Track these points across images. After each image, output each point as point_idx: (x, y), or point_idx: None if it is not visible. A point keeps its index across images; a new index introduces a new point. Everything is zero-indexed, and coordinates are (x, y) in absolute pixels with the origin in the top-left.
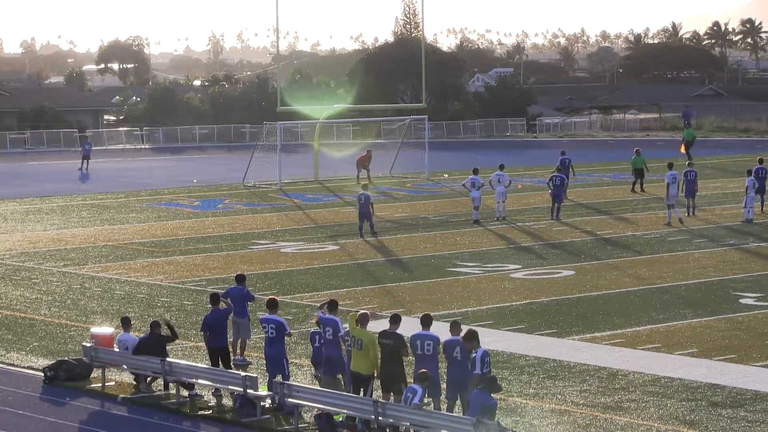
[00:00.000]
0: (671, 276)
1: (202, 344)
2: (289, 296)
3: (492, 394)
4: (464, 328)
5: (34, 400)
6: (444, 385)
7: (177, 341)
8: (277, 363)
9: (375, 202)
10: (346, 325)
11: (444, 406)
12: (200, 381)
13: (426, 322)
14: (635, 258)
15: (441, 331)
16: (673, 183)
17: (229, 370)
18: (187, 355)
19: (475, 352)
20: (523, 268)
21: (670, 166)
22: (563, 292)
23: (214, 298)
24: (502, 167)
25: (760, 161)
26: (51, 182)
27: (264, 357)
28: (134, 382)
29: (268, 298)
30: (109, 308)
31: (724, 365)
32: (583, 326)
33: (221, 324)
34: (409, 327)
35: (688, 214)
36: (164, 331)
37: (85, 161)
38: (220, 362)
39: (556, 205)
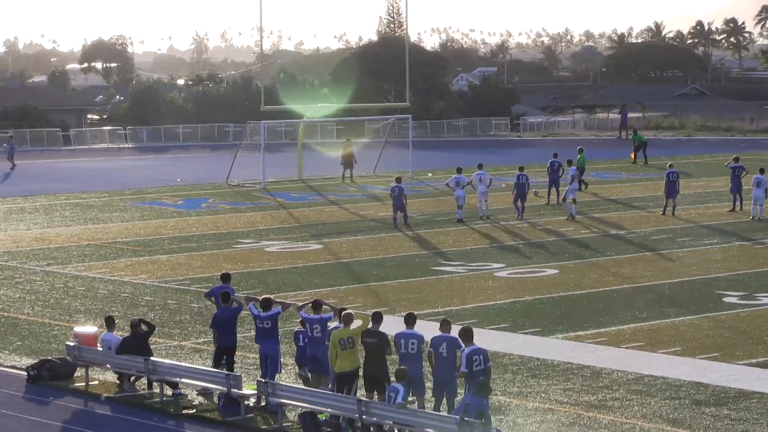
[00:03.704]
0: (655, 275)
1: (186, 342)
2: (273, 295)
3: (485, 397)
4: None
5: (17, 400)
6: (430, 384)
7: (156, 331)
8: (273, 361)
9: (359, 201)
10: (334, 323)
11: (429, 405)
12: (184, 380)
13: (410, 320)
14: (619, 257)
15: (425, 329)
16: (574, 179)
17: (213, 369)
18: (171, 354)
19: (463, 350)
20: (507, 266)
21: (570, 162)
22: (547, 291)
23: (225, 296)
24: (480, 166)
25: (736, 159)
26: (34, 181)
27: (259, 357)
28: (118, 381)
29: (262, 297)
30: (93, 307)
31: (707, 364)
32: (567, 325)
33: (231, 322)
34: (393, 326)
35: (663, 213)
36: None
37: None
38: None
39: (521, 204)
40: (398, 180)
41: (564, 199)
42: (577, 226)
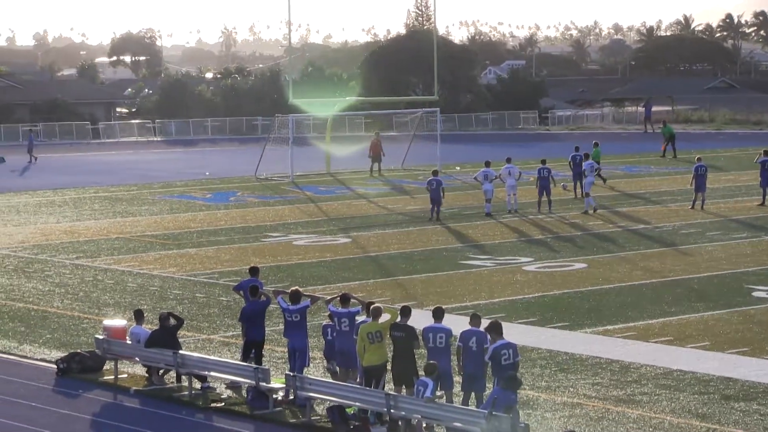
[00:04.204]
0: (683, 269)
1: (214, 336)
2: (301, 289)
3: (513, 392)
4: (485, 321)
5: (46, 392)
6: (459, 378)
7: (185, 324)
8: (302, 354)
9: (387, 195)
10: (362, 317)
11: (458, 399)
12: (212, 373)
13: (438, 314)
14: (647, 251)
15: (454, 323)
16: (591, 173)
17: (242, 363)
18: (200, 347)
19: (493, 343)
20: (536, 260)
21: (587, 156)
22: (575, 285)
23: (254, 290)
24: (509, 160)
25: (766, 153)
26: (63, 175)
27: (287, 350)
28: (146, 375)
29: (291, 290)
30: (122, 301)
31: (736, 358)
32: (596, 319)
33: (260, 316)
34: (422, 320)
35: (692, 207)
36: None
37: (30, 154)
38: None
39: (546, 198)
40: (435, 173)
41: (587, 194)
42: (605, 220)
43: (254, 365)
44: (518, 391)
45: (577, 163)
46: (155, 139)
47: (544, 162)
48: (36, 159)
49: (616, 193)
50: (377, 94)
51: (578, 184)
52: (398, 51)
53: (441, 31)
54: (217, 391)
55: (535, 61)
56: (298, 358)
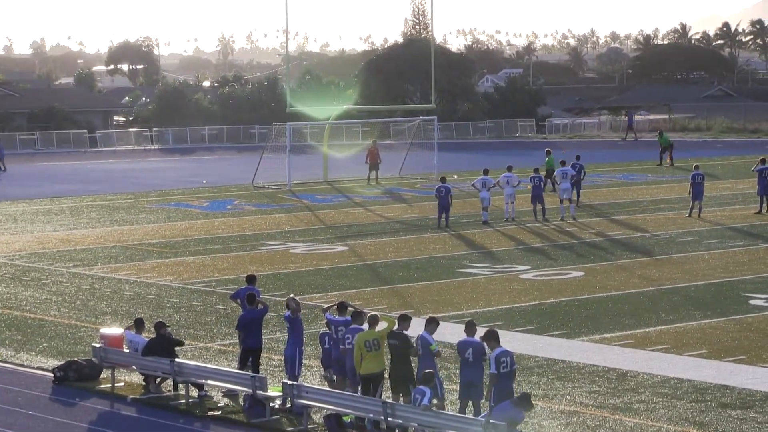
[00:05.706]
0: (680, 277)
1: (211, 344)
2: (298, 297)
3: (523, 410)
4: (480, 330)
5: (43, 401)
6: (455, 386)
7: (181, 332)
8: (291, 363)
9: (385, 203)
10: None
11: (455, 407)
12: (209, 381)
13: (431, 324)
14: (644, 259)
15: (451, 332)
16: (564, 179)
17: (239, 371)
18: (197, 355)
19: (492, 352)
20: (533, 269)
21: (563, 163)
22: (572, 293)
23: (251, 298)
24: (510, 168)
25: (763, 161)
26: (61, 183)
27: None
28: (144, 383)
29: (288, 297)
30: (119, 309)
31: (733, 366)
32: (593, 327)
33: (257, 324)
34: (418, 328)
35: (689, 215)
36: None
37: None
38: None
39: (539, 206)
40: (443, 180)
41: (570, 200)
42: (602, 228)
43: (251, 373)
44: (527, 412)
45: (576, 171)
46: (152, 147)
47: (536, 171)
48: (5, 169)
49: (613, 202)
50: (374, 102)
51: (577, 192)
52: (395, 59)
53: (438, 39)
54: (215, 399)
55: (533, 69)
56: (289, 367)
